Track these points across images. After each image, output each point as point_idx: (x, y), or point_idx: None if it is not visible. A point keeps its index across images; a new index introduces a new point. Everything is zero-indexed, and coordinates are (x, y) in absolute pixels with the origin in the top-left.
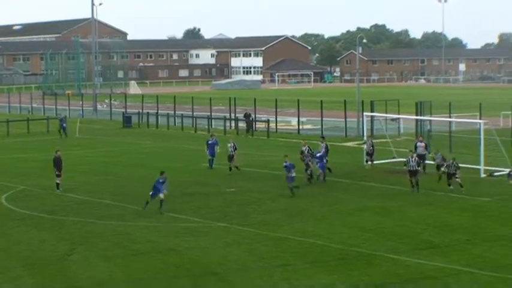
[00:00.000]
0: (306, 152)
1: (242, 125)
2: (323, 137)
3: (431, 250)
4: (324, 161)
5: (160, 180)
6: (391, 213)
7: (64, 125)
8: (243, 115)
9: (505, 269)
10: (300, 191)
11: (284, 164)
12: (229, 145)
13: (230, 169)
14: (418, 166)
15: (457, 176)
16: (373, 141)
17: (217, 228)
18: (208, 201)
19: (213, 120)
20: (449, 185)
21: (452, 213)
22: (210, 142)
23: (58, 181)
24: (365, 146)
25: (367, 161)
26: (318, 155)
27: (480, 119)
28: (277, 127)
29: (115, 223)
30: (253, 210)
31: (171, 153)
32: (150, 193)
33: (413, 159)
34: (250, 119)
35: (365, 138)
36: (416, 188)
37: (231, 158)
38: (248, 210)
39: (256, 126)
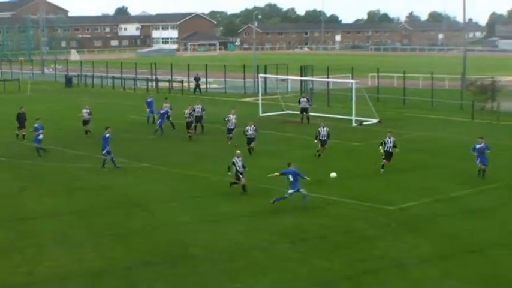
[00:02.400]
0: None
1: (162, 84)
2: (166, 98)
3: (314, 185)
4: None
5: (107, 135)
6: (282, 155)
7: None
8: (193, 78)
9: (369, 198)
10: (203, 138)
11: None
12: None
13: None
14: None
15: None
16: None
17: (142, 168)
18: (134, 146)
19: (138, 81)
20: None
21: (330, 155)
22: (148, 100)
23: (20, 132)
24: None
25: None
26: (162, 112)
27: (352, 79)
28: (189, 86)
29: (59, 165)
30: (171, 153)
31: (104, 107)
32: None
33: (390, 139)
34: (199, 82)
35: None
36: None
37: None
38: (166, 153)
39: (173, 85)
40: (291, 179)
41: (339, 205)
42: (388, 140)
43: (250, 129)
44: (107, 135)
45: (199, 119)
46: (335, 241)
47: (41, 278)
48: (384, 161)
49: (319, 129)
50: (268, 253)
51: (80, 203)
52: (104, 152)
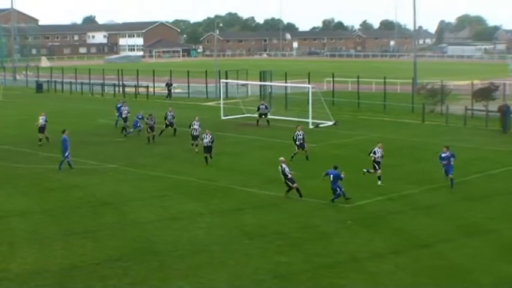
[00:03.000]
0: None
1: (128, 90)
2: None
3: (273, 183)
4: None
5: (66, 138)
6: (243, 156)
7: None
8: (165, 84)
9: (326, 196)
10: (169, 140)
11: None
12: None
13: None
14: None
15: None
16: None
17: (110, 169)
18: (102, 148)
19: (105, 87)
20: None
21: (288, 155)
22: (118, 106)
23: None
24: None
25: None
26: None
27: (309, 84)
28: (155, 91)
29: (31, 166)
30: (137, 154)
31: (73, 111)
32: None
33: (379, 150)
34: (171, 87)
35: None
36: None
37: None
38: (133, 154)
39: (139, 90)
40: (331, 179)
41: (296, 203)
42: (377, 151)
43: (206, 137)
44: (66, 138)
45: (171, 123)
46: (293, 237)
47: (14, 274)
48: (373, 171)
49: (296, 133)
50: (228, 249)
51: (50, 203)
52: (66, 154)
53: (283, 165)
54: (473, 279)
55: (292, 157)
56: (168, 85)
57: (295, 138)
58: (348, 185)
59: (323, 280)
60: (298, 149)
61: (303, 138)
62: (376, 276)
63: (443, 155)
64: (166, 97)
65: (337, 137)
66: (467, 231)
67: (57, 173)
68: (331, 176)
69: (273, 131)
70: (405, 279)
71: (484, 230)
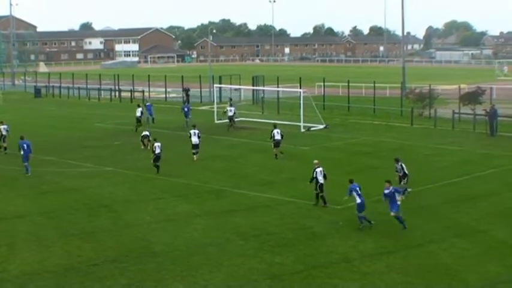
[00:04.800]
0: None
1: (124, 94)
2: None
3: (266, 186)
4: None
5: (25, 146)
6: (236, 159)
7: None
8: (182, 89)
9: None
10: (164, 144)
11: None
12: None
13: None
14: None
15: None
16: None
17: (106, 172)
18: (99, 152)
19: (102, 91)
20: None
21: (281, 158)
22: (148, 105)
23: None
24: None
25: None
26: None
27: (300, 88)
28: (150, 95)
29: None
30: (133, 158)
31: (70, 115)
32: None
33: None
34: (189, 92)
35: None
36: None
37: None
38: (129, 158)
39: (134, 95)
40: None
41: (289, 205)
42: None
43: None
44: (27, 143)
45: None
46: (286, 238)
47: (14, 275)
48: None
49: (273, 131)
50: (223, 249)
51: (48, 205)
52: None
53: (318, 169)
54: (461, 279)
55: (275, 156)
56: (186, 90)
57: (272, 136)
58: (338, 187)
59: (316, 280)
60: (273, 147)
61: (282, 137)
62: (368, 276)
63: (386, 191)
64: (184, 102)
65: (328, 140)
66: (456, 232)
67: (55, 175)
68: (353, 192)
69: (266, 135)
70: (396, 279)
71: (472, 230)
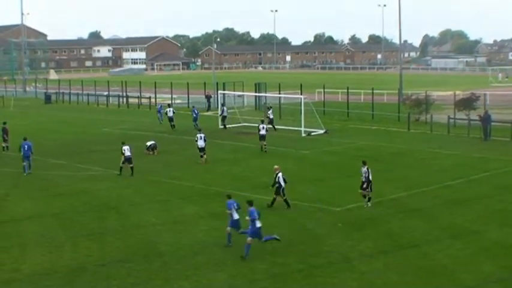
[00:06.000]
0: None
1: (131, 101)
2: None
3: (267, 189)
4: None
5: (26, 147)
6: (239, 162)
7: None
8: (204, 96)
9: (319, 200)
10: (170, 148)
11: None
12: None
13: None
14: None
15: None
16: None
17: (114, 175)
18: (107, 155)
19: (110, 98)
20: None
21: (282, 162)
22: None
23: (5, 144)
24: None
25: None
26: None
27: (301, 94)
28: (156, 101)
29: (40, 173)
30: (140, 162)
31: (79, 121)
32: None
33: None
34: (210, 99)
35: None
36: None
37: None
38: (136, 161)
39: (142, 101)
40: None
41: (290, 207)
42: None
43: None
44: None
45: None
46: (288, 239)
47: (25, 275)
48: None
49: (260, 126)
50: (226, 250)
51: (58, 207)
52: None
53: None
54: (456, 278)
55: (264, 150)
56: (208, 97)
57: (259, 129)
58: (338, 189)
59: (316, 279)
60: (260, 140)
61: (266, 131)
62: (366, 275)
63: (251, 209)
64: (207, 110)
65: (328, 144)
66: (451, 233)
67: (65, 178)
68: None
69: (267, 139)
70: (393, 278)
71: (466, 231)
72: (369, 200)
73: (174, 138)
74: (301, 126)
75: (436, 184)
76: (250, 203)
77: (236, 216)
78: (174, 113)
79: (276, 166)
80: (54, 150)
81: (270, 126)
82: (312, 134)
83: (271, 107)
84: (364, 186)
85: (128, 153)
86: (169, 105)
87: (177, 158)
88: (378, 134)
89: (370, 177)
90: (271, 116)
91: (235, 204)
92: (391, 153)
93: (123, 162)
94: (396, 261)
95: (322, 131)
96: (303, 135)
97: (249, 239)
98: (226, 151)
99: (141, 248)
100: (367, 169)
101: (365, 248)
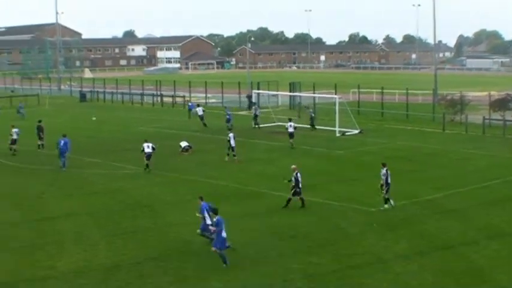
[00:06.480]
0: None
1: (166, 99)
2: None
3: (303, 188)
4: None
5: (62, 143)
6: (273, 162)
7: (21, 110)
8: (246, 96)
9: (352, 200)
10: (204, 147)
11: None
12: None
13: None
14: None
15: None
16: (260, 110)
17: (148, 174)
18: (141, 154)
19: (144, 97)
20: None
21: (317, 162)
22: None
23: (40, 142)
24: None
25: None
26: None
27: (336, 94)
28: (191, 101)
29: (76, 171)
30: (175, 160)
31: (114, 119)
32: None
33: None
34: (252, 99)
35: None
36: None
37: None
38: (171, 160)
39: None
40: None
41: (324, 206)
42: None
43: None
44: (65, 141)
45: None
46: (322, 238)
47: (60, 272)
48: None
49: (287, 124)
50: (261, 249)
51: (93, 205)
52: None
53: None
54: (492, 279)
55: (291, 147)
56: (249, 97)
57: (286, 127)
58: (373, 189)
59: (351, 280)
60: (289, 138)
61: (294, 128)
62: (401, 276)
63: (218, 218)
64: (249, 109)
65: (363, 144)
66: (487, 234)
67: (100, 177)
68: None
69: (302, 139)
70: (429, 279)
71: (503, 232)
72: (385, 201)
73: (208, 138)
74: (335, 126)
75: (471, 185)
76: (216, 211)
77: (209, 221)
78: (203, 111)
79: (293, 166)
80: (89, 149)
81: (310, 126)
82: (347, 134)
83: (309, 107)
84: (383, 188)
85: (147, 150)
86: (198, 105)
87: (211, 157)
88: (412, 134)
89: (389, 180)
90: (313, 115)
91: (208, 207)
92: (426, 154)
93: (147, 159)
94: (432, 262)
95: (356, 131)
96: (338, 135)
97: (214, 249)
98: (260, 150)
99: (175, 247)
100: (386, 171)
101: (400, 249)
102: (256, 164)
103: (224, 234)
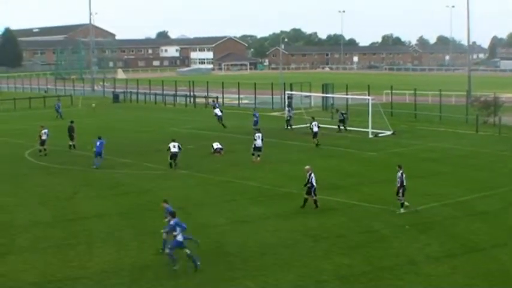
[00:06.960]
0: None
1: (199, 100)
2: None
3: (334, 190)
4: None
5: (98, 143)
6: (305, 163)
7: (59, 110)
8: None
9: (384, 202)
10: (236, 148)
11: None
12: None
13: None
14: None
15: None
16: (292, 111)
17: (181, 174)
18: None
19: (177, 97)
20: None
21: (349, 163)
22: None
23: (72, 143)
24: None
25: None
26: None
27: (368, 95)
28: (224, 101)
29: (108, 171)
30: (207, 161)
31: (147, 120)
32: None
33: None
34: (292, 100)
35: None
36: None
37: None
38: (203, 161)
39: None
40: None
41: (356, 208)
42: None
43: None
44: (101, 141)
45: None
46: (354, 240)
47: (92, 272)
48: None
49: (312, 124)
50: (293, 250)
51: (125, 205)
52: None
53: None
54: None
55: (316, 145)
56: (289, 97)
57: (311, 128)
58: (406, 191)
59: (383, 282)
60: (313, 137)
61: (318, 127)
62: (432, 278)
63: (175, 221)
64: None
65: (395, 145)
66: None
67: (131, 177)
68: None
69: (334, 140)
70: (460, 282)
71: None
72: (402, 205)
73: (240, 138)
74: (368, 128)
75: (504, 187)
76: (173, 214)
77: (180, 238)
78: (222, 112)
79: (307, 166)
80: (121, 149)
81: (337, 127)
82: (380, 135)
83: (339, 110)
84: (399, 191)
85: (173, 150)
86: (214, 107)
87: (243, 157)
88: (445, 135)
89: (405, 183)
90: (343, 117)
91: (171, 210)
92: (459, 156)
93: (170, 158)
94: (463, 264)
95: (389, 132)
96: (370, 136)
97: (167, 251)
98: (292, 151)
99: (207, 248)
100: (402, 174)
101: (431, 251)
102: (288, 165)
103: (180, 237)
